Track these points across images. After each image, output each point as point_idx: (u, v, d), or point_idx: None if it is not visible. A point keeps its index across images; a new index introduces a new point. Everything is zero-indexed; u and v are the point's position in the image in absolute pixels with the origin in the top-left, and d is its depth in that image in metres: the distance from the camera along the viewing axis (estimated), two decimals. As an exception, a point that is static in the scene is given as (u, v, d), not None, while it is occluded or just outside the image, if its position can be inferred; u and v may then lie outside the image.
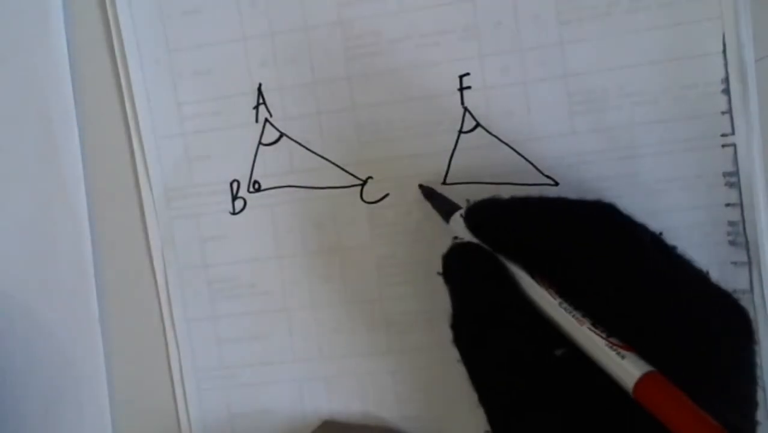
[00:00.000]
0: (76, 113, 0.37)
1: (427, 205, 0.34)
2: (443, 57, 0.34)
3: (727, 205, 0.32)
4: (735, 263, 0.32)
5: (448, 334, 0.35)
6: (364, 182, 0.35)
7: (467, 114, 0.34)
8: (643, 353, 0.22)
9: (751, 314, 0.32)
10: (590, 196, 0.33)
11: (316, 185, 0.35)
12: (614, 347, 0.22)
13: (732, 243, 0.32)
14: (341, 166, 0.35)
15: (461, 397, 0.35)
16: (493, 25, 0.33)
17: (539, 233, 0.26)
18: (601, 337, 0.23)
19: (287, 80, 0.35)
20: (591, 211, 0.27)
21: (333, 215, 0.35)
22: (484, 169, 0.34)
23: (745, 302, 0.32)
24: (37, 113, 0.37)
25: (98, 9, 0.37)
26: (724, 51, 0.32)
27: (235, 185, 0.36)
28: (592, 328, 0.23)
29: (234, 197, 0.36)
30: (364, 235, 0.35)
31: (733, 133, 0.32)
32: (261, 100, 0.35)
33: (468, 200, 0.29)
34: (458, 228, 0.29)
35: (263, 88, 0.35)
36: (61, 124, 0.37)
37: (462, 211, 0.29)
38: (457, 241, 0.29)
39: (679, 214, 0.33)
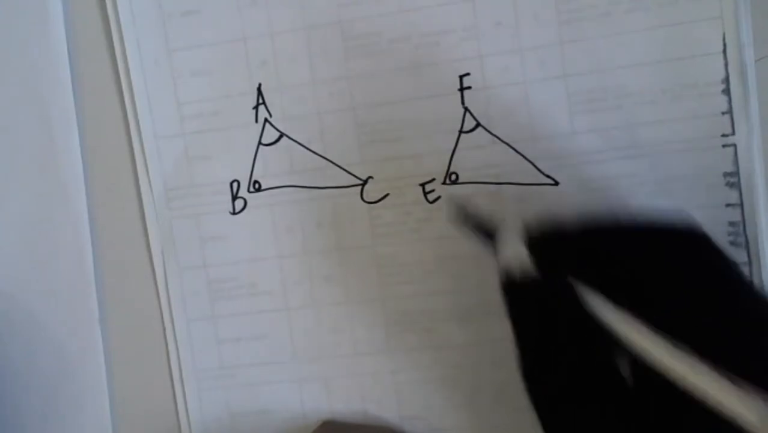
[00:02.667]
0: (76, 113, 0.37)
1: (428, 206, 0.34)
2: (443, 57, 0.34)
3: (728, 205, 0.32)
4: (735, 263, 0.32)
5: (447, 334, 0.35)
6: (364, 182, 0.35)
7: (467, 114, 0.34)
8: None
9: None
10: (590, 196, 0.33)
11: (316, 185, 0.35)
12: (734, 383, 0.21)
13: (732, 243, 0.32)
14: (341, 166, 0.35)
15: (461, 397, 0.35)
16: (493, 25, 0.33)
17: (625, 262, 0.23)
18: (721, 375, 0.21)
19: (287, 80, 0.35)
20: (678, 236, 0.24)
21: (333, 215, 0.35)
22: (485, 169, 0.34)
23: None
24: (37, 113, 0.37)
25: (98, 9, 0.37)
26: (724, 51, 0.32)
27: (235, 185, 0.36)
28: (713, 368, 0.21)
29: (234, 197, 0.36)
30: (364, 235, 0.35)
31: (733, 133, 0.32)
32: (261, 100, 0.35)
33: (524, 220, 0.26)
34: (510, 252, 0.26)
35: (263, 88, 0.35)
36: (61, 124, 0.37)
37: (512, 233, 0.26)
38: (521, 275, 0.25)
39: (680, 215, 0.33)
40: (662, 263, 0.23)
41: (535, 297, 0.25)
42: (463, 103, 0.34)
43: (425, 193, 0.35)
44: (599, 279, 0.24)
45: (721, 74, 0.32)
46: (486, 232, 0.28)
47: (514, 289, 0.25)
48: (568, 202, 0.33)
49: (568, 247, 0.25)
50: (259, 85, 0.35)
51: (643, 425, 0.22)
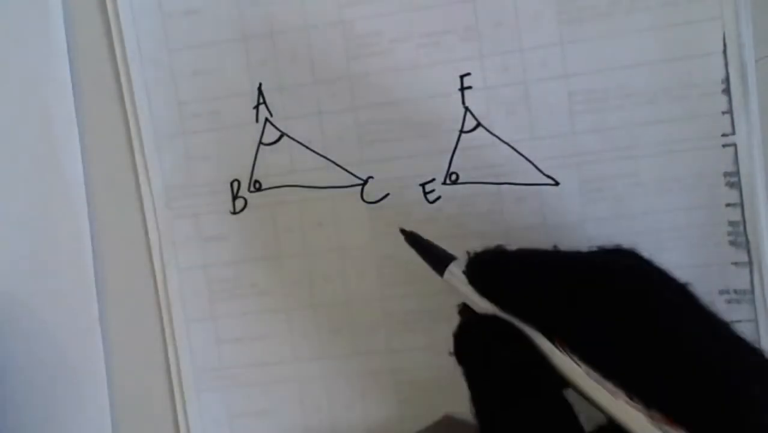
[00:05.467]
0: (76, 113, 0.37)
1: (428, 206, 0.34)
2: (444, 57, 0.34)
3: (728, 205, 0.32)
4: (736, 264, 0.32)
5: (447, 334, 0.35)
6: (365, 182, 0.35)
7: (468, 114, 0.34)
8: (682, 423, 0.20)
9: (752, 315, 0.32)
10: (591, 196, 0.33)
11: (316, 185, 0.35)
12: (658, 424, 0.20)
13: (732, 243, 0.32)
14: (342, 165, 0.35)
15: (461, 397, 0.35)
16: (494, 25, 0.33)
17: (556, 293, 0.23)
18: (641, 412, 0.21)
19: (287, 80, 0.35)
20: (610, 265, 0.24)
21: (333, 215, 0.35)
22: (485, 169, 0.34)
23: (745, 302, 0.32)
24: (37, 113, 0.37)
25: (98, 9, 0.37)
26: (725, 51, 0.32)
27: (235, 185, 0.36)
28: (629, 401, 0.21)
29: (234, 197, 0.36)
30: (364, 235, 0.35)
31: (733, 133, 0.32)
32: (261, 100, 0.35)
33: (468, 252, 0.26)
34: (456, 282, 0.26)
35: (263, 88, 0.35)
36: (61, 124, 0.37)
37: (459, 262, 0.27)
38: (468, 316, 0.26)
39: (679, 214, 0.33)
40: (589, 293, 0.23)
41: (476, 332, 0.25)
42: (463, 103, 0.34)
43: (425, 194, 0.35)
44: (532, 310, 0.24)
45: (721, 74, 0.32)
46: (437, 261, 0.28)
47: (462, 334, 0.25)
48: (568, 202, 0.33)
49: (505, 281, 0.25)
50: (260, 84, 0.35)
51: None
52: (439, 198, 0.34)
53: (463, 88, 0.34)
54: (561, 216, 0.34)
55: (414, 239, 0.30)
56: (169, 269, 0.37)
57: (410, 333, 0.35)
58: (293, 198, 0.36)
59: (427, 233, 0.34)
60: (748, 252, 0.32)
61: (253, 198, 0.36)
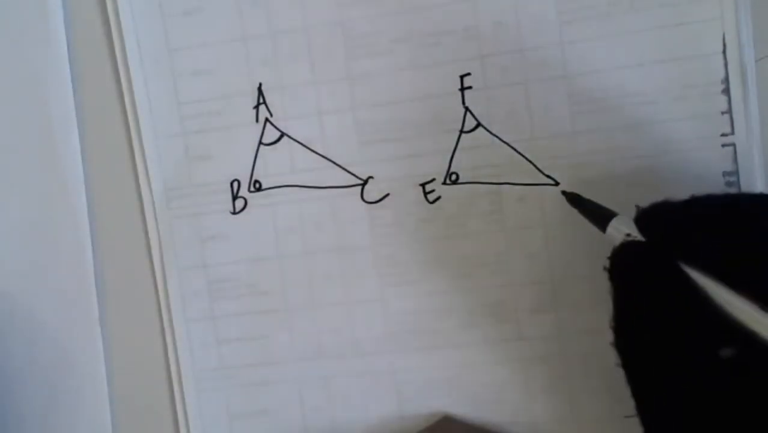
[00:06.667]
0: (76, 113, 0.37)
1: (428, 206, 0.34)
2: (444, 57, 0.34)
3: (728, 205, 0.32)
4: (735, 263, 0.32)
5: (447, 334, 0.35)
6: (365, 182, 0.35)
7: (468, 114, 0.34)
8: None
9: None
10: (591, 196, 0.33)
11: (316, 185, 0.35)
12: None
13: (732, 243, 0.32)
14: (342, 166, 0.35)
15: (461, 396, 0.35)
16: (494, 25, 0.33)
17: (732, 240, 0.24)
18: None
19: (288, 80, 0.35)
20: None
21: (333, 215, 0.35)
22: (485, 169, 0.34)
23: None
24: (37, 113, 0.37)
25: (98, 9, 0.37)
26: (724, 51, 0.32)
27: (235, 185, 0.36)
28: None
29: (234, 197, 0.36)
30: (364, 235, 0.35)
31: (733, 133, 0.32)
32: (261, 100, 0.35)
33: (638, 206, 0.27)
34: (620, 235, 0.27)
35: (263, 88, 0.35)
36: (61, 124, 0.37)
37: (621, 218, 0.28)
38: (629, 239, 0.27)
39: (679, 214, 0.33)
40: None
41: (638, 261, 0.26)
42: (463, 103, 0.34)
43: (425, 193, 0.35)
44: (705, 252, 0.24)
45: (721, 74, 0.32)
46: (599, 217, 0.29)
47: (618, 255, 0.27)
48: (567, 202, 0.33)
49: (674, 221, 0.26)
50: (260, 84, 0.35)
51: (743, 402, 0.22)
52: (439, 198, 0.34)
53: (463, 88, 0.34)
54: (561, 216, 0.34)
55: (576, 199, 0.32)
56: (169, 269, 0.37)
57: (410, 333, 0.35)
58: (293, 198, 0.36)
59: (427, 233, 0.35)
60: (748, 252, 0.32)
61: (253, 198, 0.36)
